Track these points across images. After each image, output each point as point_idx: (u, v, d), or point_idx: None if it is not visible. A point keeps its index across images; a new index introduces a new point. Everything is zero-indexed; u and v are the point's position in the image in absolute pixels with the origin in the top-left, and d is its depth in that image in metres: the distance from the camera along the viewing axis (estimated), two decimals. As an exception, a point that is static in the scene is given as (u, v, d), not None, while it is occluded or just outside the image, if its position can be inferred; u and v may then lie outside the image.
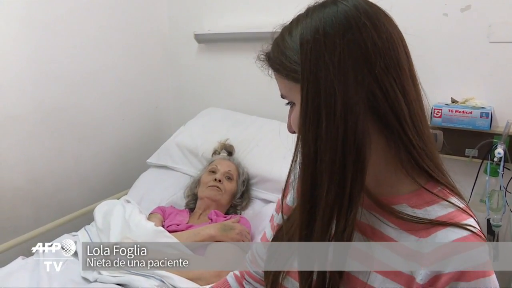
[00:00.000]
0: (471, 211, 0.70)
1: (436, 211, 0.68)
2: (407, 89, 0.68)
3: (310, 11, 0.70)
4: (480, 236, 0.65)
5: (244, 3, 2.34)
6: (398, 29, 0.71)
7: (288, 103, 0.76)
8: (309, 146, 0.68)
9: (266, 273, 0.87)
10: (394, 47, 0.67)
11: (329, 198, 0.67)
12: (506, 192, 1.71)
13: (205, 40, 2.51)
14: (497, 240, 1.75)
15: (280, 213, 0.96)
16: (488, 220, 1.73)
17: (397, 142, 0.69)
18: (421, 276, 0.66)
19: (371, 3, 0.70)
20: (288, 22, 0.74)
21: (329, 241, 0.69)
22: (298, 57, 0.68)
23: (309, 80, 0.66)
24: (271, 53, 0.74)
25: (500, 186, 1.69)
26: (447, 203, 0.69)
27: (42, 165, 2.06)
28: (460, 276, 0.63)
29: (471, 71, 1.79)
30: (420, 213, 0.69)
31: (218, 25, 2.45)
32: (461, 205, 0.69)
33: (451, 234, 0.65)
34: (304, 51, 0.67)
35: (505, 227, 1.79)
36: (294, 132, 0.75)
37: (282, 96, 0.75)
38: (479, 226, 0.68)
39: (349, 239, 0.68)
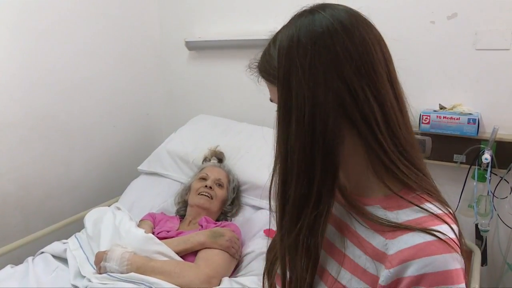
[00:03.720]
0: (451, 218, 0.70)
1: (407, 215, 0.69)
2: (382, 92, 0.69)
3: (290, 20, 0.74)
4: (448, 244, 0.64)
5: (234, 11, 2.36)
6: (377, 33, 0.72)
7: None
8: (280, 145, 0.73)
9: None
10: (368, 50, 0.68)
11: (297, 195, 0.71)
12: (494, 197, 1.73)
13: (196, 47, 2.52)
14: (485, 245, 1.76)
15: None
16: (476, 225, 1.75)
17: (368, 146, 0.70)
18: (383, 277, 0.66)
19: (351, 10, 0.72)
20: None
21: (301, 237, 0.72)
22: (278, 65, 0.72)
23: (283, 84, 0.70)
24: (259, 61, 0.79)
25: (488, 191, 1.71)
26: (419, 208, 0.69)
27: (32, 172, 2.06)
28: (420, 280, 0.63)
29: (458, 78, 1.81)
30: (391, 215, 0.70)
31: (208, 33, 2.46)
32: (437, 211, 0.69)
33: (415, 238, 0.65)
34: (280, 57, 0.71)
35: (493, 232, 1.81)
36: None
37: (271, 101, 0.79)
38: (456, 233, 0.67)
39: (319, 236, 0.72)
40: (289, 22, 0.74)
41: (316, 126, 0.68)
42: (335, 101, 0.67)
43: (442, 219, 0.67)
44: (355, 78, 0.67)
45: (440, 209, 0.70)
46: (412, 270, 0.63)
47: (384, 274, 0.66)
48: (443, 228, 0.66)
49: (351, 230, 0.75)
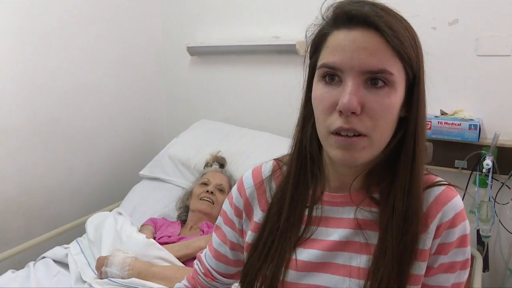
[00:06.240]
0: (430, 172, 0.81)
1: None
2: None
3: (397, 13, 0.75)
4: (453, 186, 0.78)
5: (236, 16, 2.37)
6: None
7: (373, 82, 0.70)
8: (425, 131, 0.77)
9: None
10: None
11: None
12: (495, 203, 1.73)
13: (198, 52, 2.52)
14: (487, 251, 1.76)
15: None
16: (478, 231, 1.74)
17: None
18: (424, 241, 0.74)
19: None
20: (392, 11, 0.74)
21: None
22: (416, 50, 0.73)
23: (422, 68, 0.74)
24: (396, 32, 0.69)
25: (489, 197, 1.71)
26: None
27: (34, 177, 2.06)
28: (451, 223, 0.74)
29: (459, 84, 1.81)
30: None
31: (210, 38, 2.47)
32: (425, 172, 0.79)
33: (433, 192, 0.76)
34: (419, 45, 0.75)
35: (494, 237, 1.81)
36: (351, 113, 0.69)
37: (380, 72, 0.69)
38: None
39: None
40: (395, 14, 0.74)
41: None
42: None
43: (435, 174, 0.80)
44: None
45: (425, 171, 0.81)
46: (445, 216, 0.74)
47: (424, 238, 0.74)
48: (440, 178, 0.79)
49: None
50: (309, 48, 0.78)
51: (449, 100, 1.83)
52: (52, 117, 2.10)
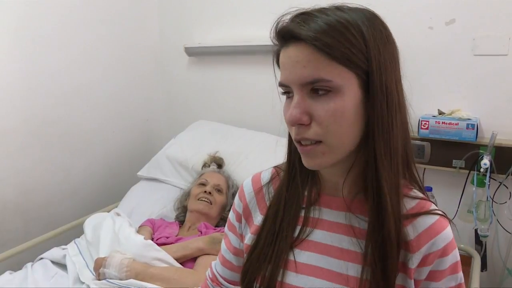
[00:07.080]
0: (428, 198, 0.82)
1: (407, 203, 0.79)
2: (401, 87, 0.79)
3: (360, 9, 0.73)
4: (446, 217, 0.79)
5: (233, 16, 2.37)
6: None
7: (314, 89, 0.70)
8: (390, 131, 0.73)
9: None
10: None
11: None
12: (493, 202, 1.73)
13: (195, 53, 2.52)
14: (485, 250, 1.76)
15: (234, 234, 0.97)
16: (476, 230, 1.75)
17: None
18: (412, 261, 0.75)
19: None
20: (335, 9, 0.72)
21: None
22: (364, 46, 0.69)
23: (385, 68, 0.71)
24: (324, 36, 0.68)
25: (487, 197, 1.71)
26: (411, 197, 0.80)
27: (32, 178, 2.06)
28: (442, 252, 0.76)
29: (457, 83, 1.81)
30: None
31: (208, 39, 2.47)
32: (421, 195, 0.81)
33: (427, 220, 0.77)
34: (374, 43, 0.70)
35: (492, 237, 1.81)
36: (299, 124, 0.72)
37: (316, 81, 0.69)
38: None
39: None
40: (357, 9, 0.73)
41: (403, 111, 0.76)
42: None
43: (430, 200, 0.81)
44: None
45: (419, 192, 0.82)
46: (435, 246, 0.75)
47: (413, 258, 0.75)
48: (434, 206, 0.80)
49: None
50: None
51: (446, 100, 1.83)
52: (50, 118, 2.10)
